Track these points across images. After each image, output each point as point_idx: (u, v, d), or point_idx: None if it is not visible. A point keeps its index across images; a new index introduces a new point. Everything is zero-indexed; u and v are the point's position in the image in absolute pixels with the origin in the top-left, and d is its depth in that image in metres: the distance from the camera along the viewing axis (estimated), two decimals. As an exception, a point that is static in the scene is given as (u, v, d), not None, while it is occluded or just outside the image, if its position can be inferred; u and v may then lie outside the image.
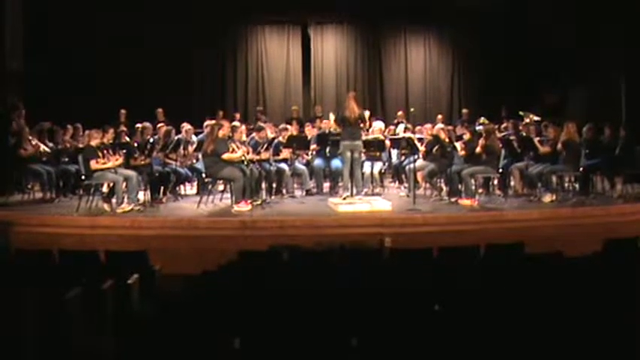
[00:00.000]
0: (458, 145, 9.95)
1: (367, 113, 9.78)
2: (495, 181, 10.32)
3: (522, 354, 3.46)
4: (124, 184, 8.92)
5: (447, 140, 10.04)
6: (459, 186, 9.58)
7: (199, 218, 8.66)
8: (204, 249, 7.47)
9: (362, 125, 9.52)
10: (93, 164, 8.75)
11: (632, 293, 4.06)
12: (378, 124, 11.00)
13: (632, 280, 4.45)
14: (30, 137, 9.93)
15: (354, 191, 9.36)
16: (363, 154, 9.92)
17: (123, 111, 12.93)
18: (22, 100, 11.48)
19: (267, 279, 4.88)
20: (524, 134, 10.60)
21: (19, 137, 9.89)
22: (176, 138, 10.35)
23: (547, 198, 9.42)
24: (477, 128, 10.75)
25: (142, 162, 9.52)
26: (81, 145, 9.95)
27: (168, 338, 3.51)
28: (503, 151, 9.50)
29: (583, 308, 3.76)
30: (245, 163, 9.27)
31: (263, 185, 9.95)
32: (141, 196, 9.36)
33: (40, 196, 10.02)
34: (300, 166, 10.86)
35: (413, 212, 8.83)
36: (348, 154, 9.28)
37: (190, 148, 10.59)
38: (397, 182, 11.63)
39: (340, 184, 10.24)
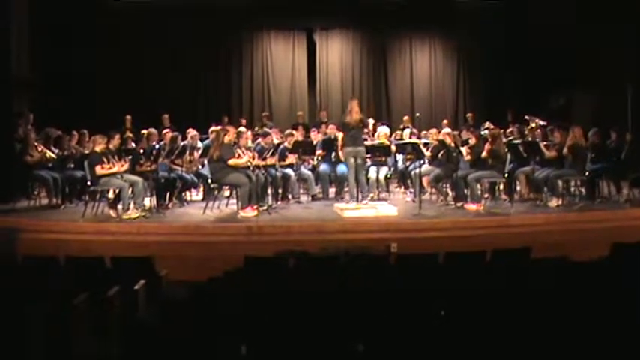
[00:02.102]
0: (464, 150, 9.92)
1: (371, 121, 9.71)
2: (501, 186, 10.28)
3: (529, 358, 3.44)
4: (130, 190, 8.92)
5: (452, 145, 10.01)
6: (465, 191, 9.56)
7: (205, 224, 8.66)
8: (210, 255, 7.47)
9: (365, 131, 9.49)
10: (98, 170, 8.76)
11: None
12: (384, 130, 10.98)
13: (639, 285, 4.42)
14: (36, 144, 9.96)
15: (360, 197, 9.36)
16: (368, 160, 9.89)
17: (128, 117, 12.95)
18: (29, 107, 11.53)
19: (273, 285, 4.88)
20: (529, 139, 10.57)
21: (25, 144, 9.91)
22: (182, 144, 10.35)
23: (553, 203, 9.39)
24: (483, 133, 10.74)
25: (148, 168, 9.52)
26: (87, 152, 9.97)
27: (175, 344, 3.51)
28: (509, 156, 9.47)
29: (590, 313, 3.74)
30: (251, 168, 9.27)
31: (269, 191, 9.95)
32: (147, 202, 9.37)
33: (46, 203, 10.01)
34: (305, 171, 10.86)
35: (419, 217, 8.83)
36: (352, 160, 9.28)
37: (196, 154, 10.58)
38: (403, 187, 11.59)
39: (346, 189, 10.23)
